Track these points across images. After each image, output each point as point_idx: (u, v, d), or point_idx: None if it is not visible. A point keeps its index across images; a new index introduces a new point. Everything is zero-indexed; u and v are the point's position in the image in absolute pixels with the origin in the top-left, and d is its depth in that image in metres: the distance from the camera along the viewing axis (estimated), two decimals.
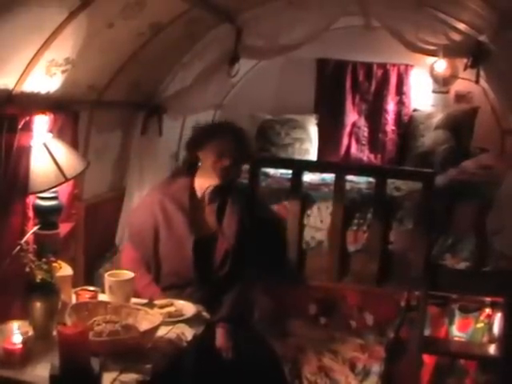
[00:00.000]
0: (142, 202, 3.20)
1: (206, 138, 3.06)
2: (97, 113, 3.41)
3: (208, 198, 3.07)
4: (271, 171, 4.79)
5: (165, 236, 2.99)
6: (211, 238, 3.03)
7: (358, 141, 5.78)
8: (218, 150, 3.00)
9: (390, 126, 5.71)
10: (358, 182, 4.58)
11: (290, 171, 4.11)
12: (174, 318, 2.64)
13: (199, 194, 3.08)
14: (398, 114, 5.73)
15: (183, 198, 3.06)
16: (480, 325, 3.53)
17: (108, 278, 2.76)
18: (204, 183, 3.07)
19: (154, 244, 2.99)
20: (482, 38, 3.67)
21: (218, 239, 3.02)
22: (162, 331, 2.47)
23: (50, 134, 2.78)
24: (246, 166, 4.69)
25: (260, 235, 3.22)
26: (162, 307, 2.72)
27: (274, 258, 3.87)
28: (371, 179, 4.34)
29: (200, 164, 3.07)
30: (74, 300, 2.71)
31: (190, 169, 3.12)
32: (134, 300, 2.77)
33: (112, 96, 3.44)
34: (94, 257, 3.54)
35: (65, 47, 2.62)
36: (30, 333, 2.34)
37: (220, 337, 2.81)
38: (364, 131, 5.78)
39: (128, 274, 2.78)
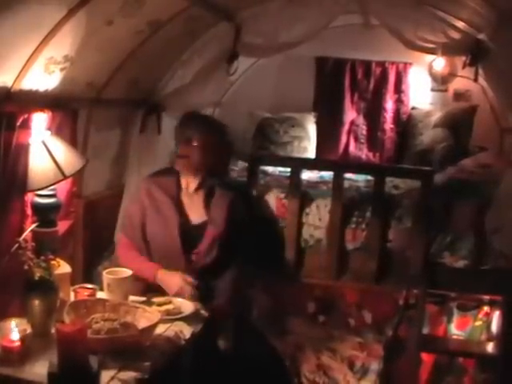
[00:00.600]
0: (134, 193, 3.24)
1: (176, 132, 3.15)
2: (95, 110, 3.41)
3: (193, 186, 3.10)
4: (270, 169, 4.79)
5: (152, 219, 3.03)
6: (200, 226, 3.06)
7: (356, 139, 5.78)
8: (182, 140, 3.06)
9: (389, 124, 5.71)
10: (356, 180, 4.58)
11: (289, 169, 4.11)
12: (172, 316, 2.64)
13: (184, 185, 3.12)
14: (397, 112, 5.72)
15: (170, 186, 3.11)
16: (478, 323, 3.53)
17: (106, 275, 2.76)
18: (184, 175, 3.11)
19: (143, 228, 3.03)
20: (481, 36, 3.67)
21: (207, 227, 3.04)
22: (160, 329, 2.47)
23: (49, 132, 2.77)
24: (244, 164, 4.73)
25: (256, 232, 3.23)
26: (160, 305, 2.72)
27: (271, 255, 3.88)
28: (370, 177, 4.34)
29: None
30: (72, 298, 2.71)
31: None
32: (132, 298, 2.77)
33: (111, 94, 3.44)
34: (93, 254, 3.54)
35: (63, 45, 2.61)
36: (29, 330, 2.34)
37: (219, 334, 2.81)
38: (363, 129, 5.78)
39: (126, 272, 2.79)
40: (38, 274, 2.39)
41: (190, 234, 3.01)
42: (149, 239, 3.03)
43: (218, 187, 3.14)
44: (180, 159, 3.05)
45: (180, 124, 3.15)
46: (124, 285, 2.75)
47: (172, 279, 2.90)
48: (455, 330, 3.57)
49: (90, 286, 2.81)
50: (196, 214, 3.09)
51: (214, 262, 3.02)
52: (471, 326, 3.54)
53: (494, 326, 3.46)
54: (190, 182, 3.10)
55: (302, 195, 4.01)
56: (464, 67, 4.05)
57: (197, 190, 3.10)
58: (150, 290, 2.92)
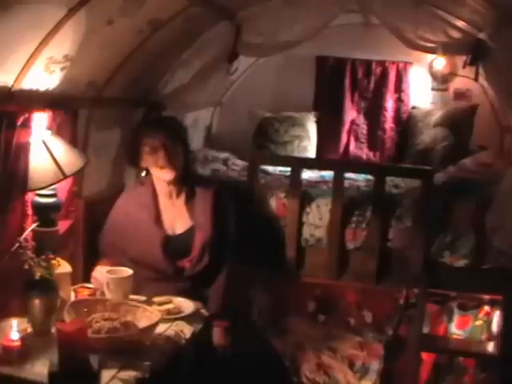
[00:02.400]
0: (110, 213, 3.14)
1: (135, 146, 3.04)
2: (96, 110, 3.40)
3: (174, 193, 3.05)
4: (270, 168, 4.79)
5: (133, 238, 2.97)
6: (186, 233, 2.99)
7: (356, 138, 5.78)
8: (148, 151, 2.96)
9: (389, 124, 5.71)
10: (356, 179, 4.58)
11: (289, 168, 4.11)
12: (172, 316, 2.64)
13: (162, 194, 3.06)
14: (397, 112, 5.72)
15: (146, 198, 3.04)
16: (479, 322, 3.54)
17: (106, 275, 2.75)
18: (162, 184, 3.04)
19: (125, 250, 2.97)
20: (482, 35, 3.67)
21: (195, 232, 2.99)
22: (160, 328, 2.47)
23: (49, 131, 2.77)
24: (244, 163, 4.73)
25: (255, 231, 3.21)
26: (160, 304, 2.72)
27: (271, 254, 3.88)
28: (370, 177, 4.35)
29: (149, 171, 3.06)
30: (72, 297, 2.71)
31: (146, 174, 3.11)
32: (132, 297, 2.76)
33: (111, 93, 3.44)
34: (93, 254, 3.53)
35: (64, 44, 2.61)
36: (29, 330, 2.35)
37: (218, 334, 2.80)
38: (363, 129, 5.77)
39: (127, 271, 2.78)
40: (38, 273, 2.40)
41: (177, 245, 2.94)
42: (133, 261, 2.94)
43: (198, 187, 3.08)
44: (159, 170, 2.96)
45: (137, 137, 3.04)
46: (124, 284, 2.74)
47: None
48: (455, 329, 3.58)
49: (90, 285, 2.81)
50: (180, 221, 3.02)
51: (209, 265, 2.96)
52: (471, 325, 3.55)
53: (495, 326, 3.47)
54: (170, 190, 3.03)
55: (303, 195, 4.01)
56: (464, 66, 4.05)
57: (178, 195, 3.06)
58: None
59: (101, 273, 2.81)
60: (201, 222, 2.99)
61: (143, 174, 3.10)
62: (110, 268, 2.81)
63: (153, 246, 2.92)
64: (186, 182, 3.05)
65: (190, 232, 2.99)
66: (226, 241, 2.99)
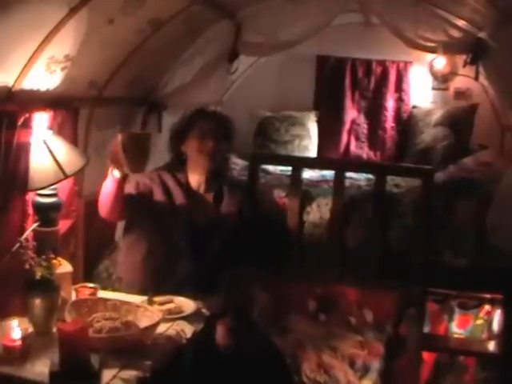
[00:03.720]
0: (141, 175, 3.08)
1: (184, 130, 3.12)
2: (96, 109, 3.41)
3: (203, 187, 3.10)
4: (270, 168, 4.79)
5: (158, 205, 3.01)
6: (209, 226, 3.04)
7: (357, 138, 5.78)
8: (198, 135, 3.05)
9: (390, 123, 5.71)
10: (357, 178, 4.58)
11: (290, 168, 4.11)
12: (173, 315, 2.65)
13: (194, 184, 3.10)
14: (398, 111, 5.72)
15: (182, 181, 3.10)
16: (479, 321, 3.54)
17: (121, 134, 2.65)
18: (196, 174, 3.10)
19: (149, 205, 3.00)
20: (482, 34, 3.67)
21: (216, 228, 3.03)
22: (161, 328, 2.48)
23: (50, 131, 2.78)
24: (245, 163, 4.72)
25: (261, 231, 3.23)
26: (161, 304, 2.72)
27: (274, 254, 3.88)
28: (371, 176, 4.34)
29: (187, 158, 3.11)
30: (73, 297, 2.72)
31: (179, 164, 3.15)
32: (133, 298, 2.77)
33: (112, 92, 3.44)
34: (94, 254, 3.54)
35: (65, 44, 2.61)
36: (30, 329, 2.35)
37: (221, 333, 2.80)
38: (363, 128, 5.77)
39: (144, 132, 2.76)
40: (39, 273, 2.40)
41: (198, 234, 2.98)
42: (153, 220, 2.98)
43: (226, 187, 3.14)
44: (210, 154, 3.03)
45: (192, 121, 3.13)
46: (142, 143, 2.67)
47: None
48: (456, 328, 3.58)
49: (91, 284, 2.81)
50: (205, 214, 3.08)
51: (224, 261, 2.99)
52: (472, 324, 3.55)
53: (495, 325, 3.47)
54: (201, 182, 3.09)
55: (303, 194, 4.00)
56: (465, 66, 4.04)
57: (206, 191, 3.10)
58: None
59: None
60: (225, 220, 3.07)
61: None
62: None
63: (176, 222, 2.97)
64: (217, 182, 3.11)
65: (211, 226, 3.05)
66: (240, 245, 3.05)
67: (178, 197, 3.04)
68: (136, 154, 2.65)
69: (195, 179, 3.10)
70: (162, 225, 3.00)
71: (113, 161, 2.75)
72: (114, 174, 2.80)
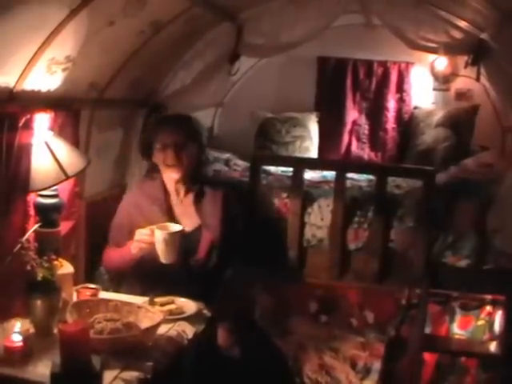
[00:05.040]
0: (120, 205, 3.19)
1: (148, 141, 3.12)
2: (97, 111, 3.41)
3: (182, 191, 3.10)
4: (272, 169, 4.79)
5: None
6: (195, 230, 3.03)
7: (358, 139, 5.77)
8: (159, 148, 3.04)
9: (391, 124, 5.70)
10: (358, 179, 4.57)
11: (291, 169, 4.11)
12: (174, 316, 2.64)
13: (171, 191, 3.11)
14: (399, 112, 5.71)
15: (157, 194, 3.09)
16: (481, 322, 3.54)
17: (160, 231, 2.76)
18: (171, 181, 3.09)
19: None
20: (483, 35, 3.67)
21: (202, 231, 3.02)
22: (162, 329, 2.48)
23: (51, 132, 2.78)
24: (246, 164, 4.73)
25: (258, 232, 3.22)
26: (162, 305, 2.72)
27: (272, 255, 3.88)
28: (372, 177, 4.34)
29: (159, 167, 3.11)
30: (75, 298, 2.71)
31: (156, 172, 3.16)
32: (134, 299, 2.77)
33: (113, 94, 3.44)
34: (95, 254, 3.53)
35: (65, 45, 2.62)
36: (31, 331, 2.35)
37: (222, 335, 2.80)
38: (365, 129, 5.77)
39: (177, 226, 2.84)
40: (40, 274, 2.40)
41: (184, 243, 2.93)
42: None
43: (208, 187, 3.13)
44: (171, 161, 3.01)
45: (152, 131, 3.12)
46: (178, 239, 2.78)
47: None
48: (457, 329, 3.57)
49: (92, 285, 2.81)
50: (189, 219, 3.06)
51: (215, 267, 3.00)
52: (473, 325, 3.55)
53: (497, 326, 3.46)
54: (177, 188, 3.08)
55: (304, 195, 4.00)
56: (466, 67, 4.05)
57: (186, 193, 3.09)
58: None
59: (146, 232, 2.82)
60: (209, 223, 3.03)
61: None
62: (159, 225, 2.84)
63: None
64: (196, 182, 3.08)
65: (197, 232, 3.03)
66: (233, 243, 3.03)
67: (156, 215, 3.01)
68: (173, 248, 2.77)
69: (172, 186, 3.10)
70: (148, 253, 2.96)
71: (143, 249, 2.84)
72: (134, 252, 2.87)
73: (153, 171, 3.22)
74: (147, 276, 2.95)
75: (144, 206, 3.06)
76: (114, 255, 3.04)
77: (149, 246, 2.80)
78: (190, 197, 3.10)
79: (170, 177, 3.06)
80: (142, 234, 2.84)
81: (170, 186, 3.11)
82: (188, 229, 3.02)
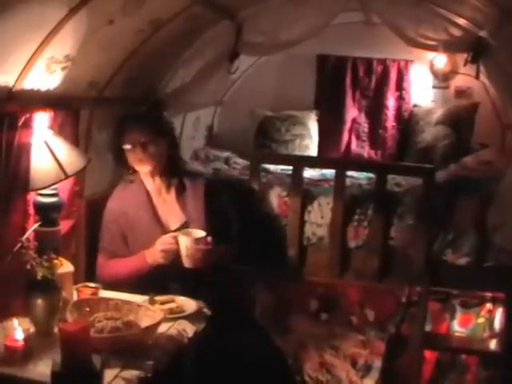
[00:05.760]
0: (105, 214, 3.15)
1: (117, 145, 3.09)
2: (97, 110, 3.40)
3: (163, 187, 3.08)
4: (271, 167, 4.79)
5: (133, 238, 3.00)
6: (182, 227, 3.00)
7: (358, 137, 5.77)
8: (128, 149, 3.02)
9: (391, 122, 5.70)
10: (358, 177, 4.58)
11: (291, 167, 4.11)
12: (175, 315, 2.64)
13: (152, 190, 3.09)
14: (398, 110, 5.72)
15: (140, 198, 3.07)
16: (481, 320, 3.54)
17: (184, 237, 2.80)
18: (149, 180, 3.09)
19: (126, 249, 3.00)
20: (482, 33, 3.67)
21: (189, 227, 3.00)
22: (163, 328, 2.47)
23: (51, 131, 2.77)
24: (246, 163, 4.73)
25: (259, 230, 3.21)
26: (163, 303, 2.72)
27: (272, 253, 3.88)
28: (372, 175, 4.35)
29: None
30: (75, 297, 2.71)
31: (133, 172, 3.14)
32: (134, 297, 2.77)
33: (112, 93, 3.44)
34: (95, 253, 3.53)
35: (65, 44, 2.61)
36: (32, 330, 2.35)
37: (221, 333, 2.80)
38: (364, 127, 5.77)
39: (200, 232, 2.86)
40: (40, 273, 2.39)
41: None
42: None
43: (187, 179, 3.11)
44: (142, 160, 3.00)
45: (118, 134, 3.10)
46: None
47: (155, 246, 2.88)
48: (458, 327, 3.58)
49: (92, 284, 2.81)
50: (174, 216, 3.05)
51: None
52: (474, 323, 3.55)
53: (497, 323, 3.47)
54: (158, 186, 3.07)
55: (304, 193, 4.01)
56: (465, 64, 4.04)
57: (168, 190, 3.08)
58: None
59: (170, 241, 2.84)
60: (194, 217, 3.02)
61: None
62: (183, 231, 2.87)
63: (154, 242, 2.92)
64: (174, 176, 3.07)
65: (184, 227, 3.00)
66: (222, 234, 2.98)
67: (143, 219, 3.01)
68: (198, 253, 2.80)
69: (151, 185, 3.09)
70: (140, 247, 2.96)
71: (167, 257, 2.84)
72: (153, 260, 2.88)
73: (131, 175, 3.18)
74: (145, 276, 2.94)
75: (130, 213, 3.03)
76: (117, 266, 2.99)
77: (173, 253, 2.83)
78: (172, 194, 3.08)
79: (142, 171, 3.03)
80: (165, 242, 2.85)
81: (150, 186, 3.08)
82: (175, 226, 3.02)
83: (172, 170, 3.09)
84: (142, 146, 2.98)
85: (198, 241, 2.81)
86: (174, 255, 2.83)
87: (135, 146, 2.99)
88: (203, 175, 3.28)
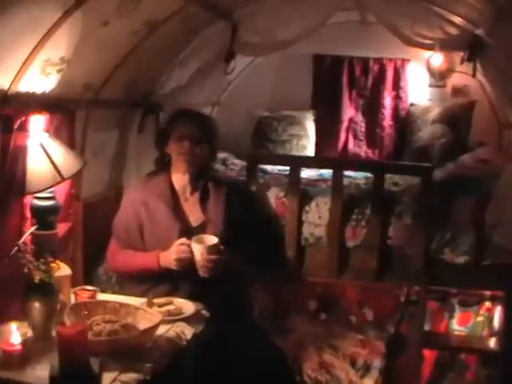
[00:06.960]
0: (124, 201, 3.18)
1: (166, 131, 3.12)
2: (93, 112, 3.40)
3: (189, 189, 3.09)
4: (269, 168, 4.78)
5: (150, 230, 2.99)
6: (199, 228, 3.01)
7: (355, 136, 5.77)
8: (177, 137, 3.03)
9: (388, 121, 5.70)
10: (355, 177, 4.57)
11: (288, 167, 4.10)
12: (173, 317, 2.63)
13: (178, 187, 3.09)
14: (395, 109, 5.72)
15: (164, 191, 3.07)
16: (480, 319, 3.54)
17: (197, 245, 2.81)
18: (180, 176, 3.08)
19: (141, 240, 3.00)
20: (479, 31, 3.66)
21: (206, 229, 3.01)
22: (161, 330, 2.47)
23: (47, 134, 2.77)
24: (243, 163, 4.72)
25: (256, 230, 3.21)
26: (161, 306, 2.71)
27: (272, 253, 3.87)
28: (369, 174, 4.34)
29: (171, 159, 3.10)
30: (72, 300, 2.70)
31: (164, 166, 3.14)
32: (132, 299, 2.76)
33: (108, 95, 3.43)
34: (93, 256, 3.53)
35: (60, 46, 2.61)
36: (29, 333, 2.34)
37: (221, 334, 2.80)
38: (361, 126, 5.77)
39: (212, 238, 2.87)
40: (37, 276, 2.39)
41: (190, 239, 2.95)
42: (148, 250, 2.98)
43: (211, 184, 3.12)
44: (187, 155, 3.01)
45: (172, 123, 3.12)
46: (216, 251, 2.83)
47: (170, 252, 2.88)
48: (457, 326, 3.58)
49: (90, 287, 2.80)
50: (194, 215, 3.06)
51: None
52: (473, 321, 3.55)
53: (496, 322, 3.47)
54: (185, 184, 3.08)
55: (302, 193, 4.00)
56: (462, 63, 4.04)
57: (192, 192, 3.09)
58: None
59: (185, 249, 2.85)
60: (213, 218, 3.03)
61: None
62: (195, 237, 2.87)
63: (171, 236, 2.93)
64: (202, 180, 3.09)
65: (202, 227, 3.02)
66: (235, 239, 3.00)
67: (163, 212, 3.00)
68: (212, 262, 2.82)
69: (179, 182, 3.08)
70: (156, 240, 2.97)
71: (183, 266, 2.85)
72: (162, 264, 2.89)
73: (159, 170, 3.19)
74: (149, 275, 2.95)
75: (150, 203, 3.03)
76: (129, 257, 3.00)
77: (187, 262, 2.84)
78: (196, 196, 3.09)
79: (182, 167, 3.04)
80: (180, 251, 2.85)
81: (177, 182, 3.09)
82: (195, 224, 3.03)
83: (202, 174, 3.11)
84: (191, 139, 3.01)
85: (210, 249, 2.81)
86: (188, 263, 2.84)
87: (184, 138, 3.01)
88: (228, 183, 3.28)
